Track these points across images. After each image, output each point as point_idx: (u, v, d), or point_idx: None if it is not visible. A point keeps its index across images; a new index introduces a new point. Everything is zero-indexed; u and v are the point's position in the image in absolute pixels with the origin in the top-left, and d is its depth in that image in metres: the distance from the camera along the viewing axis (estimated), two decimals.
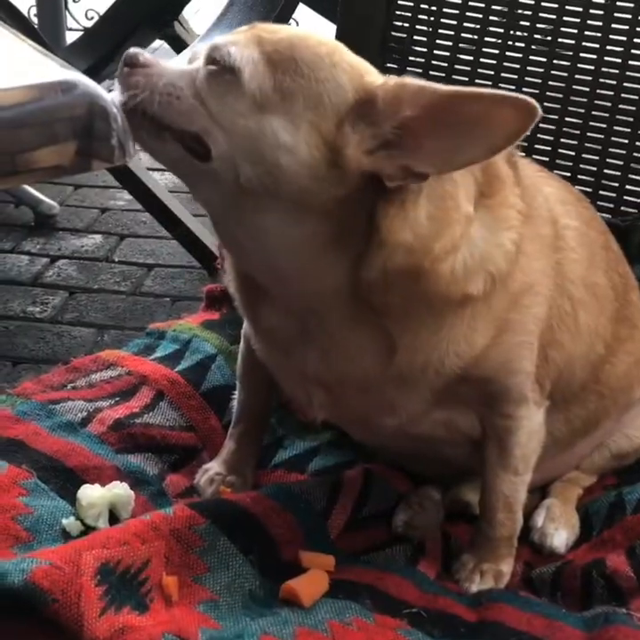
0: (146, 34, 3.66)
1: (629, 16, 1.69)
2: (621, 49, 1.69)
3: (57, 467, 1.31)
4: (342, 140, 1.06)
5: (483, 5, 1.79)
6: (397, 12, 1.85)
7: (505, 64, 1.78)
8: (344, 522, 1.31)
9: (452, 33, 1.82)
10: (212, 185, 1.11)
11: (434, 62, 1.84)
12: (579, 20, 1.72)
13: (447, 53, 1.83)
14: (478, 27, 1.80)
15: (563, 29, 1.74)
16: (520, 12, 1.77)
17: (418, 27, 1.84)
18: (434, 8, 1.83)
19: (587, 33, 1.72)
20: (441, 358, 1.17)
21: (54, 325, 2.85)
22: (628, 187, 1.70)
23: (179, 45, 3.59)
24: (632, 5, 1.69)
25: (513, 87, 1.77)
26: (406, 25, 1.85)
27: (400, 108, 1.05)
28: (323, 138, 1.06)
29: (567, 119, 1.74)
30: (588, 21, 1.72)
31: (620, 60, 1.70)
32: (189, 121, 1.09)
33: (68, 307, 2.94)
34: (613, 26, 1.70)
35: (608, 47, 1.71)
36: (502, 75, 1.78)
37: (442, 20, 1.83)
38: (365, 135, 1.06)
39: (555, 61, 1.75)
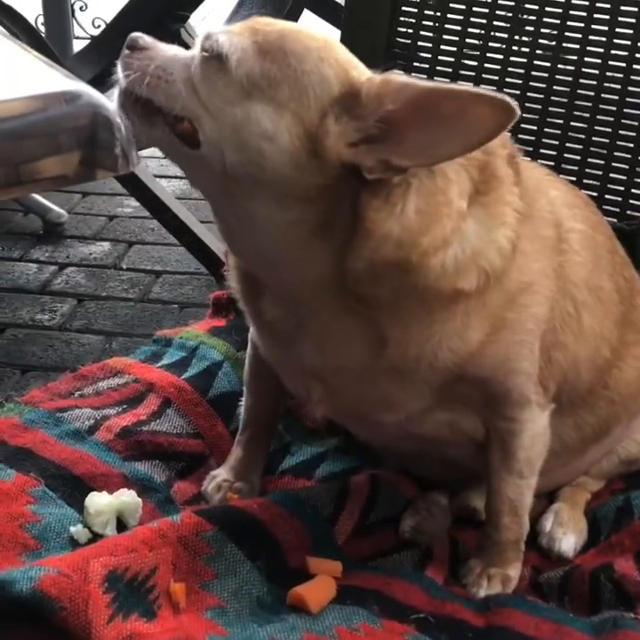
0: None
1: (634, 20, 1.69)
2: (626, 53, 1.69)
3: (65, 474, 1.31)
4: (324, 131, 1.08)
5: (487, 11, 1.80)
6: (402, 18, 1.85)
7: (509, 69, 1.78)
8: (351, 528, 1.31)
9: (457, 39, 1.82)
10: (202, 171, 1.14)
11: (438, 68, 1.84)
12: (583, 25, 1.72)
13: (451, 59, 1.83)
14: (483, 32, 1.80)
15: (567, 34, 1.74)
16: (524, 17, 1.77)
17: (422, 33, 1.84)
18: (438, 14, 1.83)
19: (591, 37, 1.72)
20: (434, 351, 1.17)
21: (63, 333, 2.86)
22: (633, 191, 1.70)
23: None
24: (636, 10, 1.69)
25: (517, 92, 1.77)
26: (410, 31, 1.85)
27: (383, 102, 1.07)
28: (305, 128, 1.08)
29: (572, 123, 1.74)
30: (593, 26, 1.72)
31: (624, 65, 1.70)
32: (178, 106, 1.11)
33: (77, 314, 2.95)
34: (617, 30, 1.70)
35: (612, 52, 1.71)
36: (507, 80, 1.78)
37: (446, 26, 1.83)
38: (348, 128, 1.08)
39: (559, 66, 1.75)
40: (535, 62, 1.77)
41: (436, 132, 1.06)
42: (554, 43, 1.74)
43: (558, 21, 1.74)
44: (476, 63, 1.81)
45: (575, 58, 1.73)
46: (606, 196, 1.70)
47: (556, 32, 1.74)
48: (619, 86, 1.71)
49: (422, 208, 1.11)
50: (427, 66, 1.85)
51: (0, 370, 2.67)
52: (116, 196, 3.61)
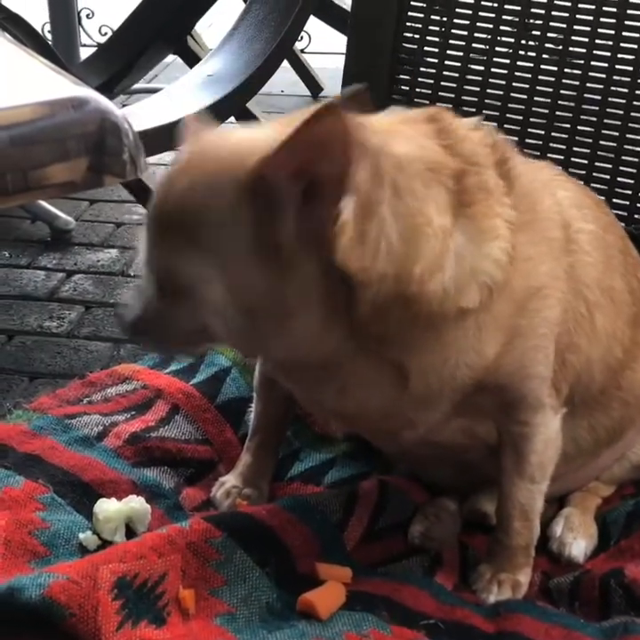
0: (159, 49, 3.69)
1: None
2: (633, 57, 1.69)
3: (73, 481, 1.31)
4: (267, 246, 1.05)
5: (493, 16, 1.79)
6: (408, 23, 1.85)
7: (516, 73, 1.78)
8: (360, 533, 1.31)
9: (463, 43, 1.82)
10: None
11: (445, 72, 1.83)
12: (590, 29, 1.72)
13: (458, 63, 1.82)
14: (489, 37, 1.80)
15: (574, 38, 1.73)
16: (531, 21, 1.77)
17: (428, 37, 1.84)
18: (445, 18, 1.83)
19: (598, 41, 1.71)
20: (453, 373, 1.16)
21: (71, 340, 2.86)
22: None
23: (192, 59, 3.60)
24: None
25: (524, 96, 1.77)
26: (417, 36, 1.85)
27: (282, 172, 1.02)
28: (256, 265, 1.05)
29: (579, 128, 1.74)
30: (600, 30, 1.71)
31: (631, 68, 1.69)
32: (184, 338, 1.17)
33: (85, 321, 2.95)
34: (624, 34, 1.70)
35: (619, 55, 1.70)
36: (513, 84, 1.78)
37: (453, 31, 1.83)
38: (280, 222, 1.04)
39: (566, 70, 1.74)
40: (542, 66, 1.76)
41: (316, 169, 1.01)
42: (561, 46, 1.74)
43: (565, 25, 1.74)
44: (482, 68, 1.81)
45: (582, 62, 1.73)
46: (614, 200, 1.69)
47: (562, 36, 1.74)
48: (626, 90, 1.70)
49: (404, 235, 1.08)
50: (433, 71, 1.84)
51: (8, 377, 2.68)
52: (124, 203, 3.61)
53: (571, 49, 1.74)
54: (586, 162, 1.73)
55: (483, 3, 1.80)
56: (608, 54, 1.71)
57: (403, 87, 1.87)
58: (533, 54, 1.77)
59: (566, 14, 1.74)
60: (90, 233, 3.47)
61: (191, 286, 1.08)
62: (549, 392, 1.25)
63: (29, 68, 0.93)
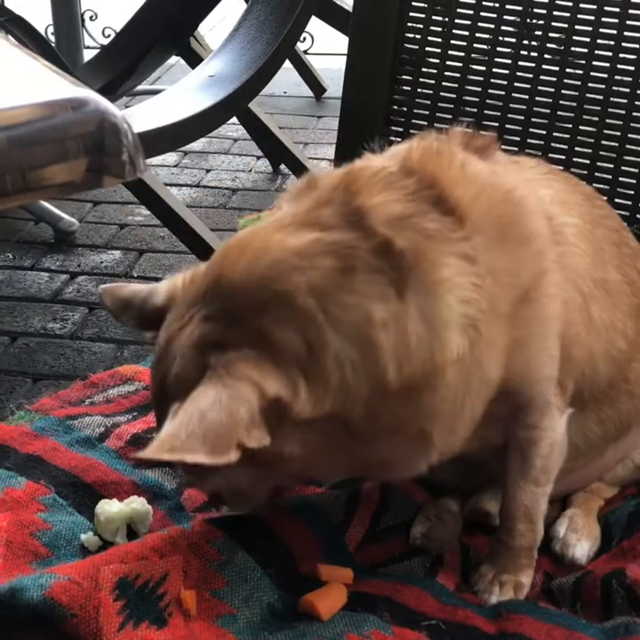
0: (162, 50, 3.69)
1: None
2: (634, 57, 1.69)
3: (75, 482, 1.32)
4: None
5: (495, 16, 1.79)
6: (409, 24, 1.85)
7: (518, 74, 1.78)
8: (362, 534, 1.31)
9: (465, 44, 1.82)
10: None
11: (446, 73, 1.84)
12: (591, 29, 1.72)
13: (459, 64, 1.82)
14: (491, 37, 1.80)
15: (575, 38, 1.73)
16: (533, 21, 1.77)
17: (430, 38, 1.84)
18: (446, 19, 1.83)
19: (599, 42, 1.71)
20: (470, 413, 1.15)
21: (74, 341, 2.86)
22: None
23: (195, 61, 3.61)
24: None
25: (526, 96, 1.77)
26: (418, 36, 1.85)
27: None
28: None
29: (581, 128, 1.73)
30: (601, 30, 1.71)
31: (633, 68, 1.69)
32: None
33: (88, 323, 2.95)
34: (626, 34, 1.69)
35: (621, 55, 1.70)
36: (515, 85, 1.78)
37: (454, 31, 1.83)
38: None
39: (568, 71, 1.74)
40: (544, 67, 1.76)
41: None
42: (562, 47, 1.74)
43: (566, 25, 1.74)
44: (484, 68, 1.81)
45: (584, 62, 1.73)
46: (616, 200, 1.69)
47: (564, 36, 1.74)
48: (627, 90, 1.70)
49: (362, 348, 1.04)
50: (434, 71, 1.85)
51: (11, 378, 2.68)
52: (127, 204, 3.62)
53: (572, 49, 1.74)
54: (588, 162, 1.73)
55: (484, 3, 1.80)
56: (610, 54, 1.71)
57: (404, 88, 1.87)
58: (535, 55, 1.77)
59: (568, 14, 1.74)
60: (93, 234, 3.47)
61: None
62: (555, 391, 1.25)
63: (28, 68, 0.93)
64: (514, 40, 1.79)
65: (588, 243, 1.30)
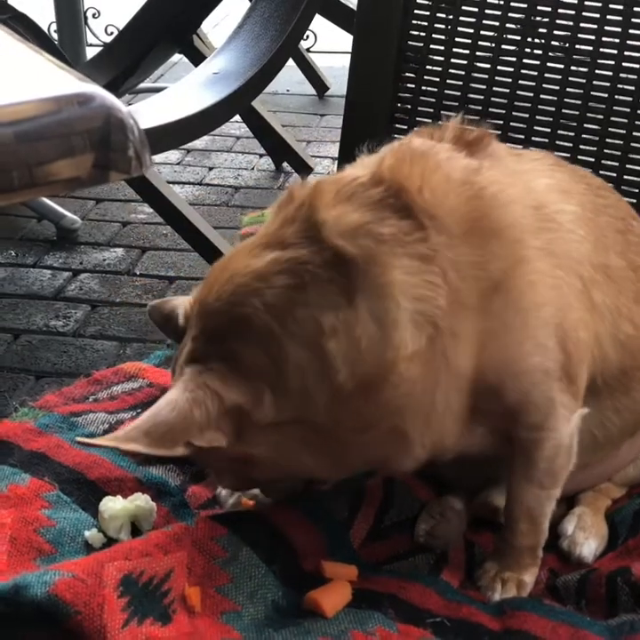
0: (165, 48, 3.69)
1: None
2: (639, 54, 1.69)
3: (79, 479, 1.32)
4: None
5: (499, 13, 1.79)
6: (414, 22, 1.85)
7: (522, 71, 1.78)
8: (366, 531, 1.31)
9: (469, 41, 1.82)
10: None
11: (451, 71, 1.83)
12: (596, 27, 1.71)
13: (464, 62, 1.82)
14: (495, 35, 1.80)
15: (580, 36, 1.73)
16: (537, 19, 1.77)
17: (434, 36, 1.84)
18: (451, 17, 1.83)
19: (604, 39, 1.71)
20: (448, 404, 1.17)
21: (77, 339, 2.86)
22: None
23: (197, 59, 3.60)
24: None
25: (531, 94, 1.77)
26: (423, 34, 1.84)
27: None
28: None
29: (586, 126, 1.73)
30: (606, 27, 1.71)
31: (638, 66, 1.69)
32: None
33: (91, 320, 2.95)
34: (631, 31, 1.69)
35: (626, 53, 1.70)
36: (520, 82, 1.78)
37: (459, 29, 1.83)
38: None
39: (573, 68, 1.74)
40: (548, 64, 1.76)
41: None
42: (567, 44, 1.74)
43: (571, 23, 1.73)
44: (488, 66, 1.80)
45: (588, 59, 1.73)
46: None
47: (568, 33, 1.74)
48: (633, 88, 1.70)
49: (318, 357, 1.12)
50: (439, 69, 1.84)
51: (14, 376, 2.68)
52: (130, 202, 3.61)
53: (577, 47, 1.73)
54: (593, 160, 1.73)
55: (488, 1, 1.80)
56: (615, 52, 1.71)
57: (408, 85, 1.86)
58: (539, 52, 1.77)
59: (572, 12, 1.74)
60: (96, 232, 3.47)
61: None
62: (560, 385, 1.22)
63: (34, 63, 0.93)
64: (518, 38, 1.78)
65: (587, 229, 1.29)
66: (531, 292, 1.19)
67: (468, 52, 1.82)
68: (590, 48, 1.73)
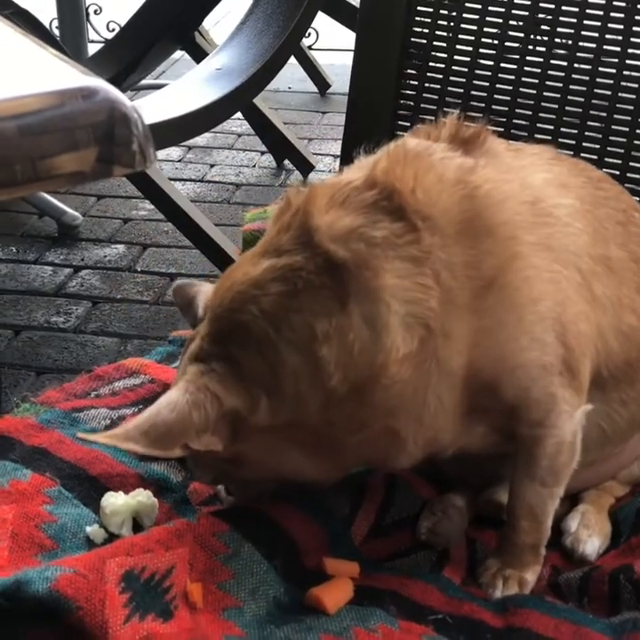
0: (166, 45, 3.69)
1: None
2: None
3: (81, 474, 1.31)
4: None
5: (502, 10, 1.79)
6: (417, 18, 1.84)
7: (526, 68, 1.77)
8: (368, 528, 1.31)
9: (473, 38, 1.81)
10: None
11: (454, 68, 1.83)
12: (600, 24, 1.71)
13: (467, 59, 1.82)
14: (498, 31, 1.80)
15: (583, 33, 1.73)
16: (540, 16, 1.76)
17: (437, 33, 1.84)
18: (454, 13, 1.82)
19: (607, 36, 1.71)
20: (440, 403, 1.17)
21: (78, 335, 2.86)
22: None
23: (199, 56, 3.60)
24: None
25: (534, 92, 1.76)
26: (426, 31, 1.84)
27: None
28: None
29: (589, 123, 1.73)
30: (609, 25, 1.71)
31: None
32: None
33: (92, 317, 2.95)
34: (635, 29, 1.69)
35: (629, 50, 1.69)
36: (523, 79, 1.77)
37: (462, 25, 1.82)
38: None
39: (576, 65, 1.74)
40: (552, 62, 1.75)
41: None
42: (570, 41, 1.74)
43: (574, 20, 1.73)
44: (491, 63, 1.80)
45: (592, 56, 1.72)
46: None
47: (572, 31, 1.73)
48: (636, 85, 1.69)
49: (312, 363, 1.13)
50: (442, 66, 1.84)
51: (15, 372, 2.68)
52: (131, 198, 3.61)
53: (580, 44, 1.73)
54: (596, 157, 1.72)
55: None
56: (618, 50, 1.71)
57: (411, 82, 1.86)
58: (543, 49, 1.77)
59: (576, 9, 1.73)
60: (97, 228, 3.47)
61: None
62: (561, 380, 1.21)
63: (38, 57, 0.92)
64: (522, 34, 1.78)
65: (585, 221, 1.29)
66: (526, 288, 1.19)
67: (471, 48, 1.82)
68: (593, 45, 1.72)
